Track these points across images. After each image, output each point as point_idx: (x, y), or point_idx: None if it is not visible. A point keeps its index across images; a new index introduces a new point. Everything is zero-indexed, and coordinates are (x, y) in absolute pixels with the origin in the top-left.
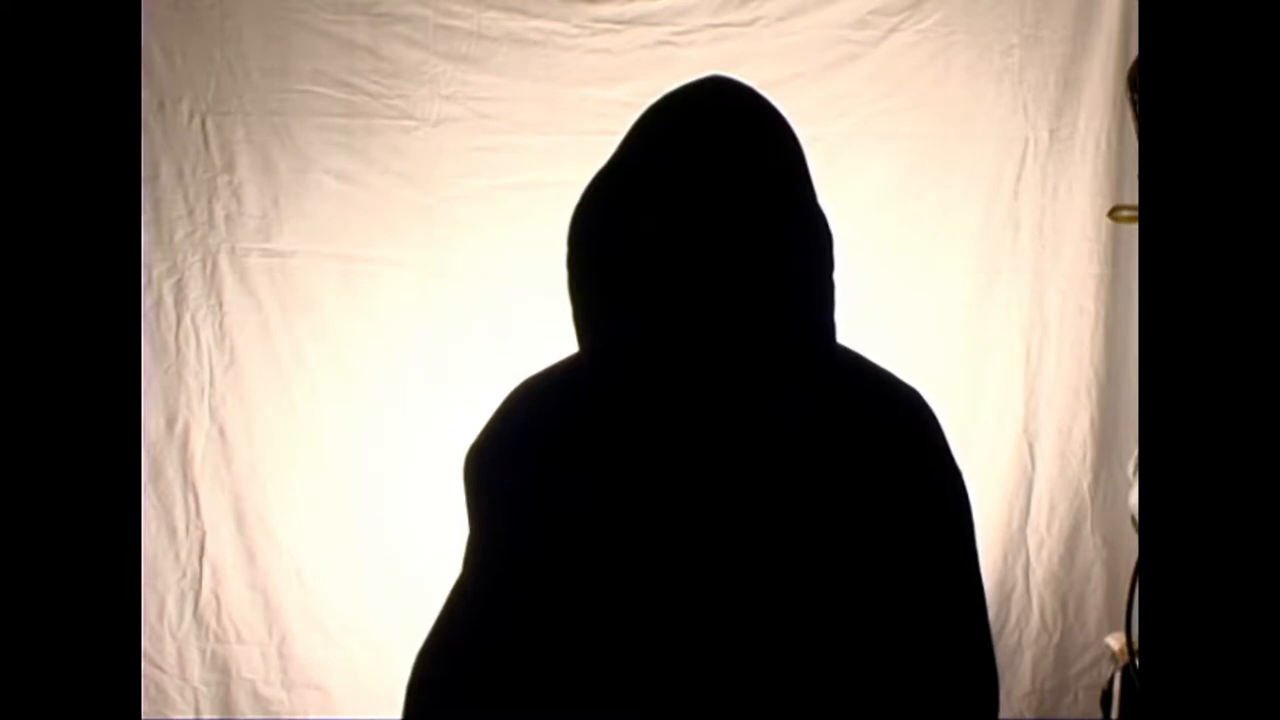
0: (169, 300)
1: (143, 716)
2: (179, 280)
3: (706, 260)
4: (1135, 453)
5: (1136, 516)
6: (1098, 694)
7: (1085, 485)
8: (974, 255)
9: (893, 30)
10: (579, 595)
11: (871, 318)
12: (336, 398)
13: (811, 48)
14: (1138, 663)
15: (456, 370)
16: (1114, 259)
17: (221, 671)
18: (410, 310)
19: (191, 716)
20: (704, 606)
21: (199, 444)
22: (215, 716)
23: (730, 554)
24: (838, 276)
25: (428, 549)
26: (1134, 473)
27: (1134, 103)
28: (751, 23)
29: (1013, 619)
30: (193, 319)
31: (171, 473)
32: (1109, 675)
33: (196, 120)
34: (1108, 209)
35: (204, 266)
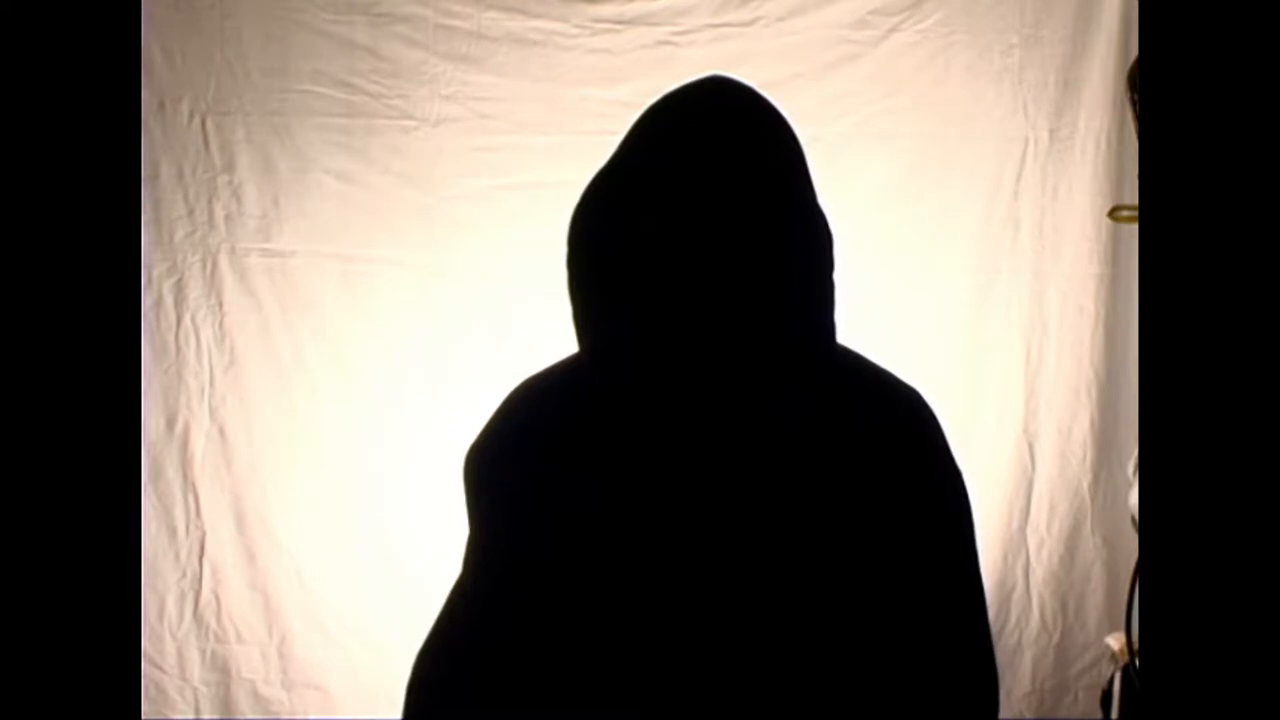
0: (169, 300)
1: (143, 716)
2: (179, 280)
3: (707, 260)
4: (1135, 453)
5: (1136, 516)
6: (1098, 694)
7: (1085, 485)
8: (974, 255)
9: (893, 30)
10: (579, 595)
11: (871, 318)
12: (336, 398)
13: (811, 48)
14: (1138, 663)
15: (456, 370)
16: (1114, 259)
17: (221, 671)
18: (410, 310)
19: (191, 716)
20: (704, 606)
21: (199, 444)
22: (215, 716)
23: (730, 554)
24: (838, 276)
25: (428, 549)
26: (1134, 473)
27: (1134, 103)
28: (751, 23)
29: (1013, 619)
30: (193, 319)
31: (171, 473)
32: (1109, 675)
33: (196, 120)
34: (1108, 209)
35: (204, 266)
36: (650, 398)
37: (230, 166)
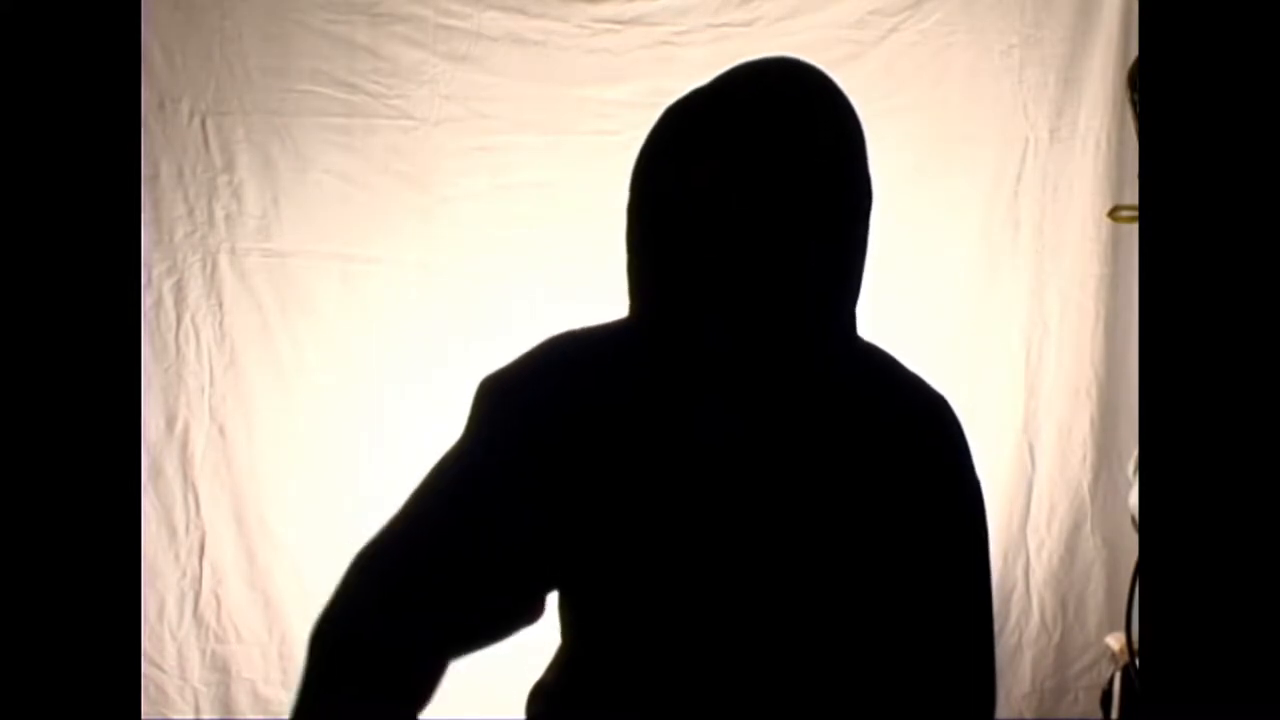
0: (169, 300)
1: (143, 716)
2: (179, 280)
3: (791, 233)
4: (1135, 453)
5: (1136, 516)
6: (1098, 694)
7: (1085, 485)
8: (974, 255)
9: (893, 30)
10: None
11: (871, 318)
12: (336, 397)
13: (811, 48)
14: (1138, 663)
15: (456, 369)
16: (1114, 259)
17: (221, 671)
18: (410, 310)
19: (191, 716)
20: (725, 592)
21: (199, 444)
22: (215, 716)
23: (764, 543)
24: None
25: None
26: (1134, 473)
27: (1134, 103)
28: (751, 23)
29: (1013, 619)
30: (193, 319)
31: (171, 473)
32: (1109, 675)
33: (196, 120)
34: (1108, 209)
35: (204, 266)
36: (728, 364)
37: (230, 166)
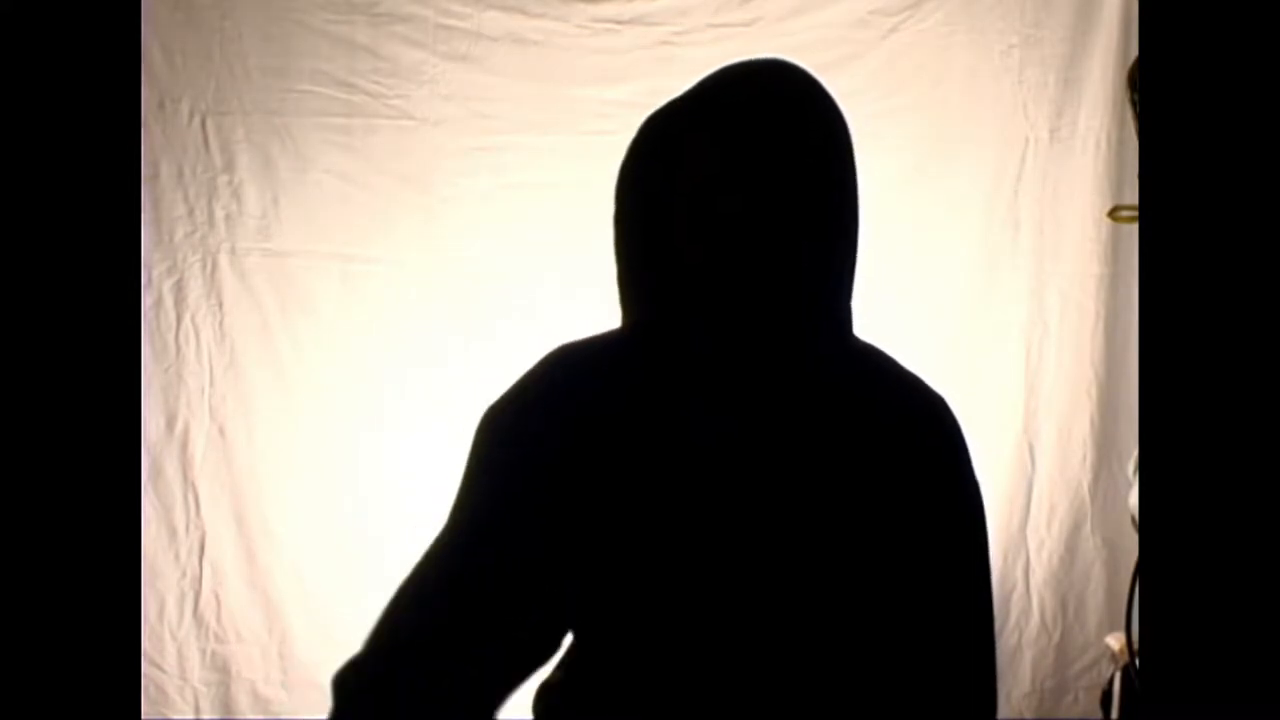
0: (169, 300)
1: (143, 716)
2: (179, 280)
3: (781, 237)
4: (1135, 453)
5: (1136, 516)
6: (1098, 694)
7: (1085, 485)
8: (974, 255)
9: (893, 30)
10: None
11: (871, 317)
12: (336, 397)
13: (811, 48)
14: (1138, 663)
15: (456, 369)
16: (1114, 259)
17: (221, 671)
18: (410, 310)
19: (191, 716)
20: (738, 587)
21: (199, 444)
22: (215, 716)
23: (764, 544)
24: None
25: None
26: (1134, 473)
27: (1134, 103)
28: (751, 23)
29: (1013, 619)
30: (193, 319)
31: (171, 473)
32: (1109, 675)
33: (196, 120)
34: (1108, 209)
35: (204, 266)
36: (719, 367)
37: (230, 166)
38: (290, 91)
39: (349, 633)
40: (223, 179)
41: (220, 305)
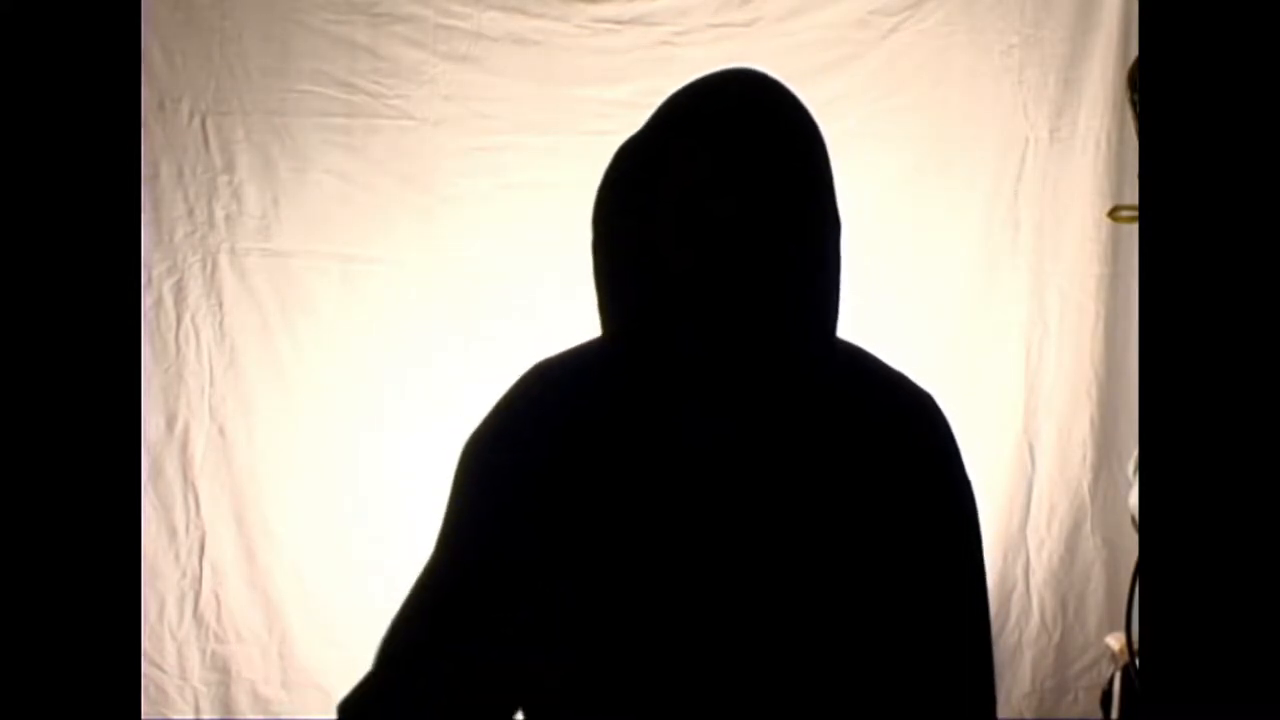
0: (169, 300)
1: (143, 716)
2: (179, 280)
3: (757, 244)
4: (1135, 453)
5: (1136, 516)
6: (1098, 694)
7: (1085, 485)
8: (974, 255)
9: (893, 30)
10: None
11: (871, 317)
12: (336, 397)
13: (811, 48)
14: (1138, 663)
15: (456, 369)
16: (1114, 259)
17: (221, 671)
18: (410, 310)
19: (191, 716)
20: (724, 599)
21: (199, 444)
22: (215, 716)
23: (764, 544)
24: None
25: (428, 548)
26: (1134, 473)
27: (1134, 103)
28: (751, 23)
29: (1013, 619)
30: (193, 319)
31: (171, 473)
32: (1109, 675)
33: (196, 120)
34: (1108, 209)
35: (204, 266)
36: (712, 370)
37: (230, 166)
38: (290, 91)
39: (349, 633)
40: (223, 179)
41: (220, 305)
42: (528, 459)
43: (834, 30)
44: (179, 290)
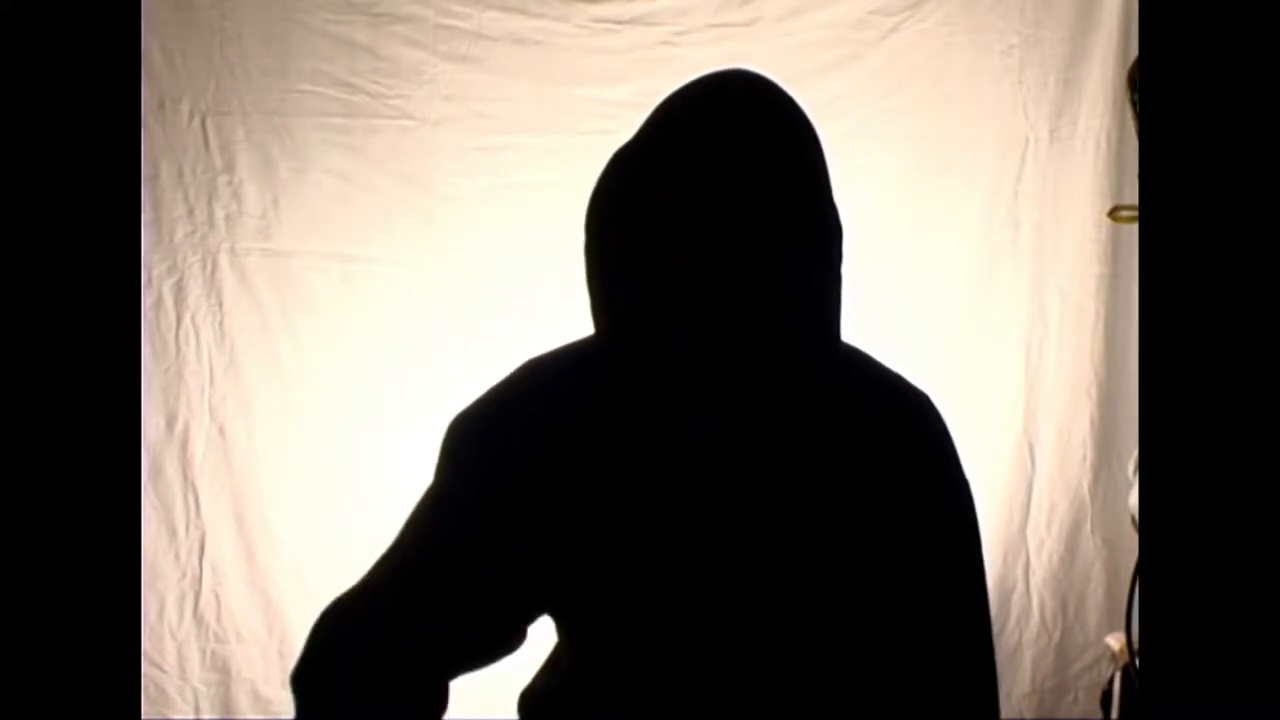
0: (169, 300)
1: (143, 716)
2: (179, 280)
3: (753, 249)
4: (1135, 453)
5: (1136, 516)
6: (1098, 694)
7: (1085, 485)
8: (974, 255)
9: (893, 30)
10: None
11: (871, 318)
12: (336, 397)
13: (811, 48)
14: (1138, 663)
15: (456, 369)
16: (1114, 259)
17: (221, 671)
18: (410, 310)
19: (191, 716)
20: (719, 595)
21: (199, 444)
22: (215, 716)
23: (755, 544)
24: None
25: None
26: (1134, 473)
27: (1134, 103)
28: (751, 23)
29: (1013, 619)
30: (193, 319)
31: (171, 473)
32: (1109, 675)
33: (196, 120)
34: (1108, 209)
35: (204, 266)
36: (709, 368)
37: (230, 166)
38: (290, 91)
39: None
40: (223, 179)
41: (220, 305)
42: (516, 453)
43: (834, 30)
44: (179, 290)
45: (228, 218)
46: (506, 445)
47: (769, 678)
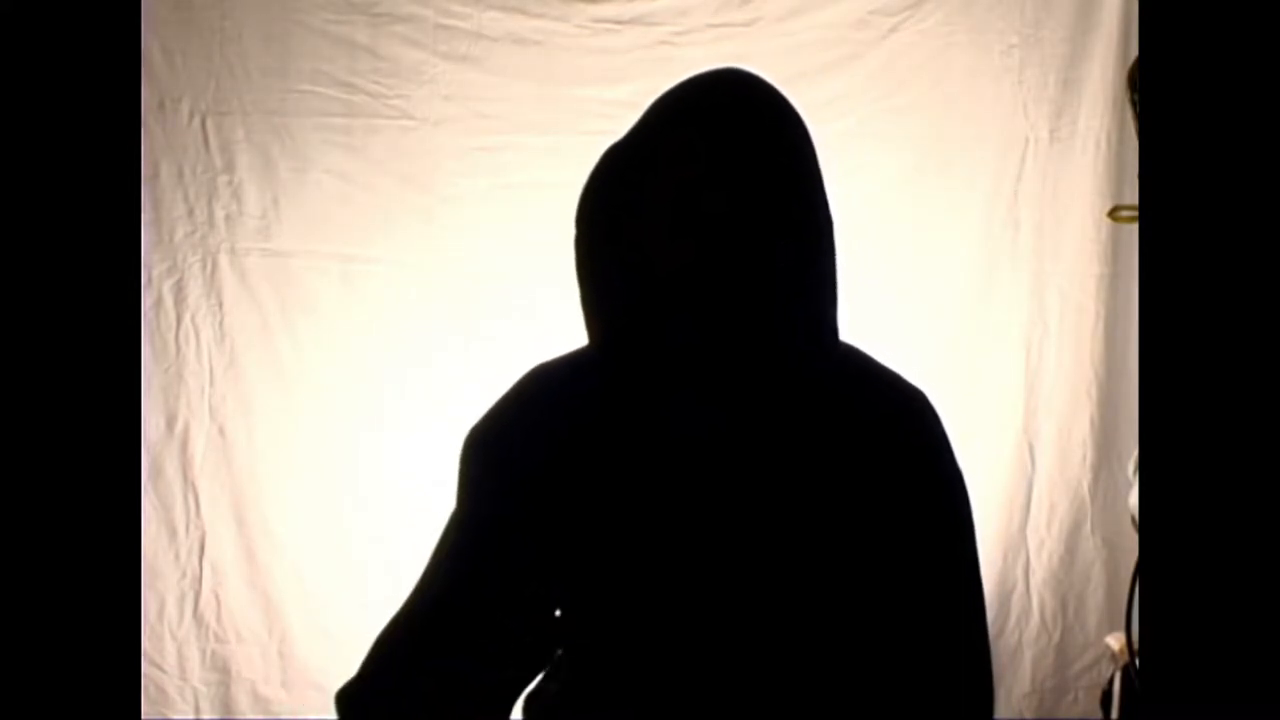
0: (169, 300)
1: (143, 716)
2: (179, 280)
3: (744, 246)
4: (1135, 453)
5: (1136, 516)
6: (1098, 694)
7: (1085, 485)
8: (974, 255)
9: (893, 30)
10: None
11: (871, 318)
12: (336, 397)
13: (811, 48)
14: (1138, 663)
15: (456, 369)
16: (1114, 259)
17: (221, 671)
18: (410, 310)
19: (191, 716)
20: (718, 595)
21: (199, 444)
22: (215, 716)
23: (754, 543)
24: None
25: (428, 548)
26: (1134, 473)
27: (1134, 103)
28: (751, 23)
29: (1013, 619)
30: (193, 319)
31: (171, 473)
32: (1109, 675)
33: (196, 120)
34: (1108, 209)
35: (204, 266)
36: (705, 361)
37: (230, 166)
38: (290, 91)
39: (349, 633)
40: (223, 179)
41: (220, 305)
42: (523, 468)
43: (834, 30)
44: (179, 290)
45: (228, 218)
46: (510, 457)
47: (763, 670)
